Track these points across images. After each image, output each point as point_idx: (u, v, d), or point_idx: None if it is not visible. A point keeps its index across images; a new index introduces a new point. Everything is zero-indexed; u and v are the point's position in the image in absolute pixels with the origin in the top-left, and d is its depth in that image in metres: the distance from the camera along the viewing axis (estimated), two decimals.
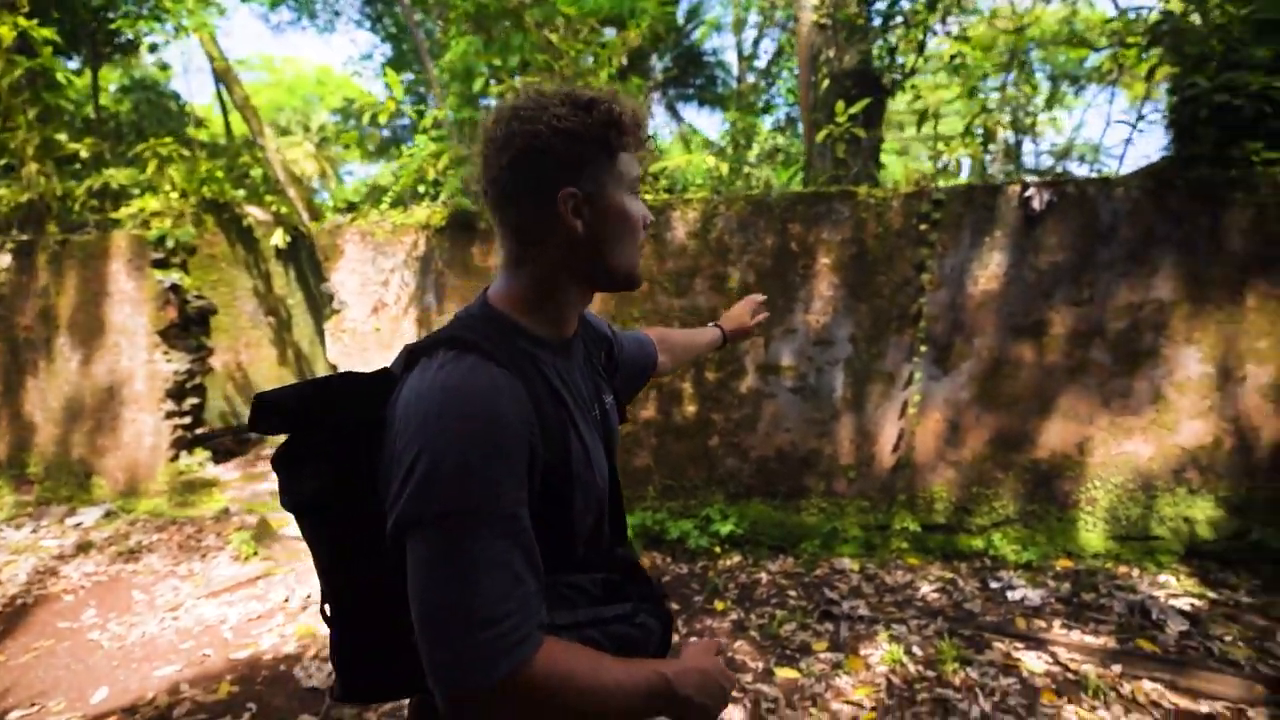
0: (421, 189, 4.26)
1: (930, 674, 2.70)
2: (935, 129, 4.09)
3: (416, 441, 0.71)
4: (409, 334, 4.37)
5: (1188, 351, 3.61)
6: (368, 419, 0.80)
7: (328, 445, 0.80)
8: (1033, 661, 2.78)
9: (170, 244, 4.86)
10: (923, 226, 3.75)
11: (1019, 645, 2.90)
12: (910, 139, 14.88)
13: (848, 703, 2.53)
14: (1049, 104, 12.07)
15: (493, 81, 4.16)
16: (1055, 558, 3.71)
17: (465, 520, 0.69)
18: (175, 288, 4.87)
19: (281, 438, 0.83)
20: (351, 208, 6.57)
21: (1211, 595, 3.30)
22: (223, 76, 6.30)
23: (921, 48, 4.67)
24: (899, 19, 4.51)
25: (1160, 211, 3.57)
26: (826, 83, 4.85)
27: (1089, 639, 2.91)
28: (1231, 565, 3.55)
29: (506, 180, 0.82)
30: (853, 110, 4.01)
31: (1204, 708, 2.45)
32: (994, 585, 3.45)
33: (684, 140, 14.20)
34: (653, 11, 5.44)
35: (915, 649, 2.88)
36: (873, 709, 2.49)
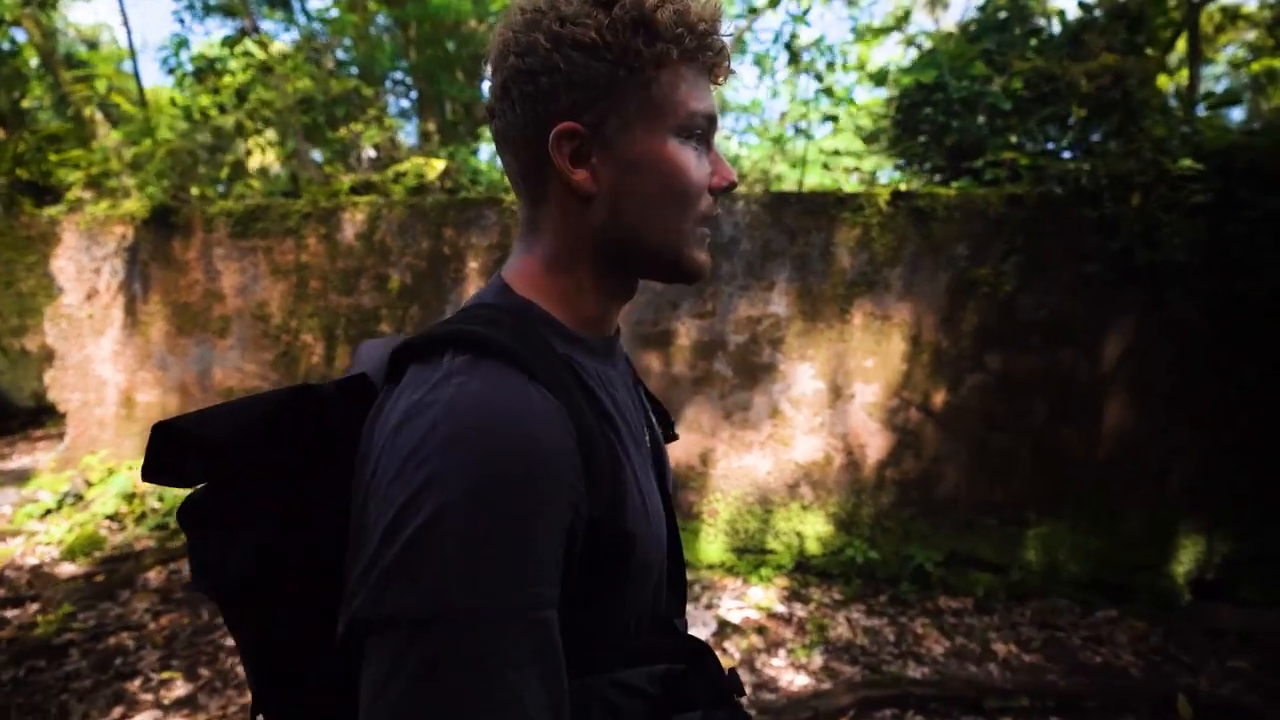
0: (114, 182, 4.42)
1: None
2: None
3: (405, 487, 0.45)
4: (118, 320, 4.54)
5: (802, 368, 3.65)
6: (339, 452, 0.54)
7: (279, 495, 0.53)
8: None
9: None
10: None
11: None
12: None
13: None
14: None
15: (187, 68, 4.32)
16: None
17: (476, 623, 0.43)
18: None
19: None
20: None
21: (779, 609, 3.34)
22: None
23: None
24: None
25: (777, 226, 3.63)
26: None
27: None
28: (831, 579, 3.58)
29: (500, 112, 0.60)
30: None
31: None
32: None
33: None
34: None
35: None
36: None
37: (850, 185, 6.79)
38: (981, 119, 3.88)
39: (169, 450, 0.50)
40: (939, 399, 3.53)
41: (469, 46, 10.32)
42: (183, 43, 4.34)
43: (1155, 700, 2.56)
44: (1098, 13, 3.96)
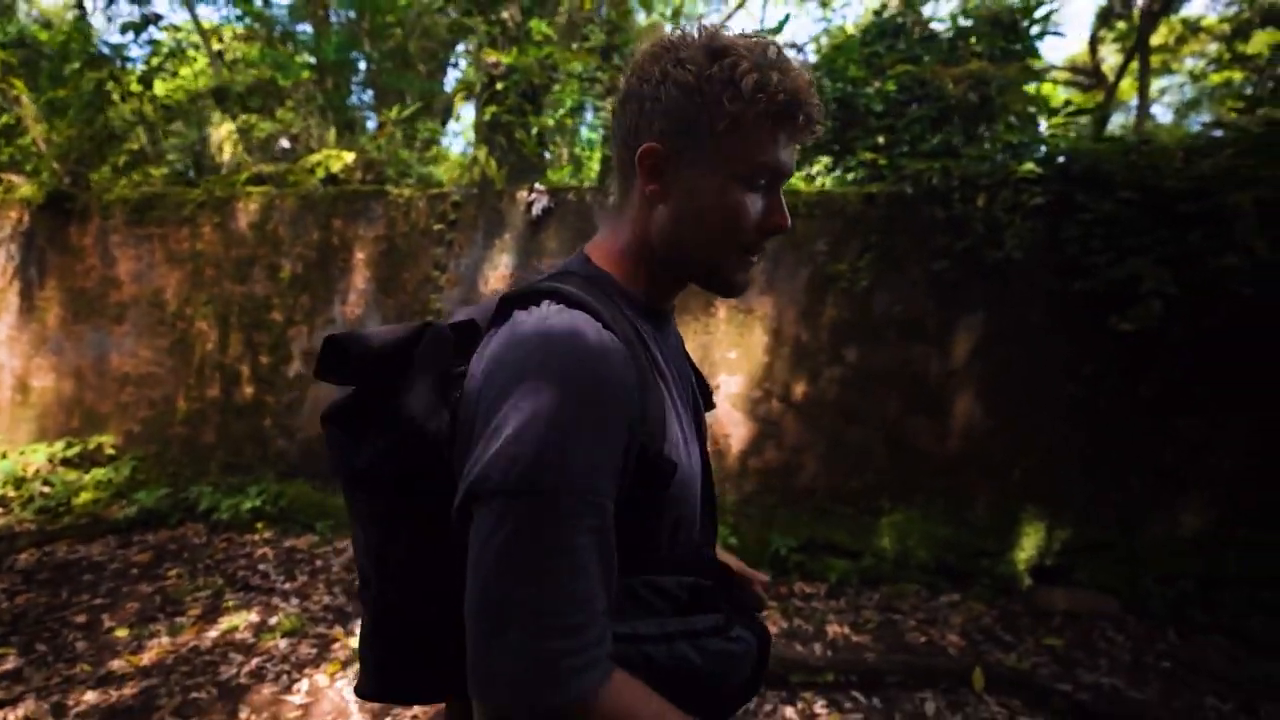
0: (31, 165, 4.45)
1: (245, 639, 2.87)
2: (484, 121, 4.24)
3: (508, 396, 0.60)
4: (13, 306, 4.57)
5: None
6: (455, 373, 0.71)
7: (406, 401, 0.68)
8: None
9: None
10: (439, 226, 3.93)
11: None
12: None
13: (124, 661, 2.69)
14: None
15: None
16: None
17: (556, 499, 0.57)
18: None
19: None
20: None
21: None
22: None
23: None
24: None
25: None
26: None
27: None
28: None
29: (617, 118, 0.75)
30: (406, 113, 4.19)
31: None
32: None
33: None
34: None
35: (272, 619, 3.04)
36: (135, 670, 2.66)
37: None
38: (855, 119, 4.00)
39: (334, 358, 0.69)
40: (799, 390, 3.66)
41: (426, 39, 10.30)
42: (79, 27, 4.35)
43: (955, 674, 2.69)
44: (965, 20, 4.10)
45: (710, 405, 0.91)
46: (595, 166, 5.92)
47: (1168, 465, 3.34)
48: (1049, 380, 3.45)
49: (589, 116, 6.85)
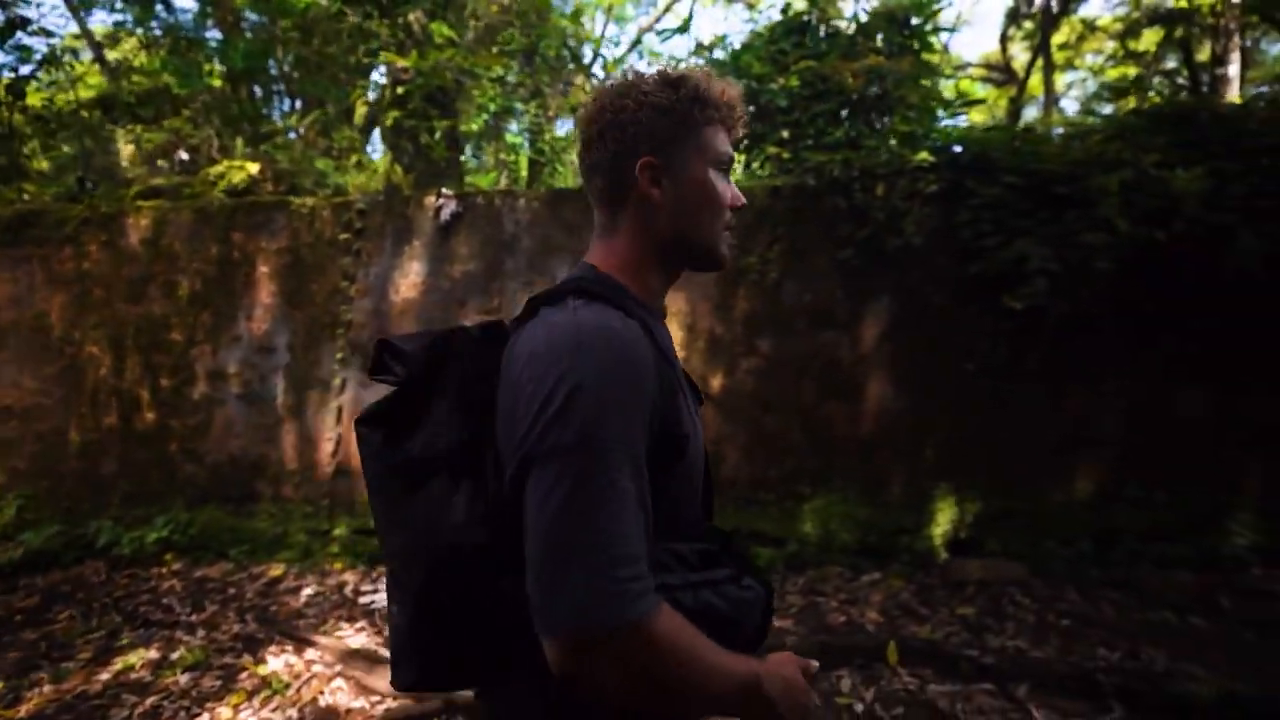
0: None
1: (142, 678, 2.71)
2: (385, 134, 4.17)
3: (553, 374, 0.69)
4: None
5: None
6: (490, 369, 0.79)
7: (447, 395, 0.78)
8: (274, 662, 2.82)
9: None
10: (344, 236, 3.81)
11: (286, 647, 2.94)
12: None
13: None
14: None
15: None
16: None
17: (606, 450, 0.66)
18: None
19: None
20: None
21: None
22: None
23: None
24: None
25: (557, 222, 3.72)
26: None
27: (354, 639, 2.97)
28: None
29: (594, 150, 0.86)
30: (309, 119, 4.05)
31: (357, 701, 2.53)
32: (366, 588, 3.50)
33: None
34: None
35: (173, 654, 2.88)
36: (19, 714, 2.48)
37: None
38: (761, 115, 4.09)
39: (384, 358, 0.79)
40: (716, 383, 3.70)
41: (328, 44, 9.98)
42: None
43: (871, 650, 2.77)
44: (864, 16, 4.25)
45: (699, 399, 1.00)
46: (524, 169, 5.85)
47: (1061, 434, 3.53)
48: (951, 360, 3.59)
49: (516, 119, 6.78)
